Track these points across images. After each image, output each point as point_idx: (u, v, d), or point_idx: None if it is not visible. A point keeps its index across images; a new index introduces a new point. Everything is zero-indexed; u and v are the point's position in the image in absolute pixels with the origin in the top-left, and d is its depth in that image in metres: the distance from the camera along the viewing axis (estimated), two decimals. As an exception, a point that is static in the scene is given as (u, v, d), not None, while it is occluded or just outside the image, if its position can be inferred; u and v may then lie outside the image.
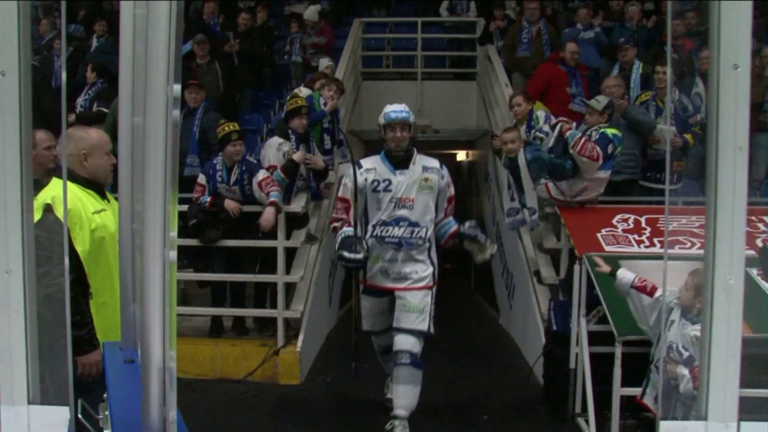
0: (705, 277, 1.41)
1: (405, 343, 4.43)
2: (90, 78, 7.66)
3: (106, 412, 1.92)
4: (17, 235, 1.46)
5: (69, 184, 3.06)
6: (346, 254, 4.41)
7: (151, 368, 1.43)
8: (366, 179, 4.52)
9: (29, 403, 1.50)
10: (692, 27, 8.11)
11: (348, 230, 4.50)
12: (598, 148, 5.24)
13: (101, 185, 3.24)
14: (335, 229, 4.62)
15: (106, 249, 3.08)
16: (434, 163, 4.61)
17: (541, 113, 6.24)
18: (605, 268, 4.16)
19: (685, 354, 3.42)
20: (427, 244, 4.56)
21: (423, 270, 4.53)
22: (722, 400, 1.38)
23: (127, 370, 2.02)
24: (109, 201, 3.21)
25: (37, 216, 2.63)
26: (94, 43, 8.71)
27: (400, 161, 4.53)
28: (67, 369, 1.56)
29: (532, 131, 5.99)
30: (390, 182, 4.50)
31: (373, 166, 4.57)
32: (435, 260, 4.63)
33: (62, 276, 2.43)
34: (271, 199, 5.76)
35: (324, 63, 8.20)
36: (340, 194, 4.67)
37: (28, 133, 1.51)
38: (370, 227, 4.53)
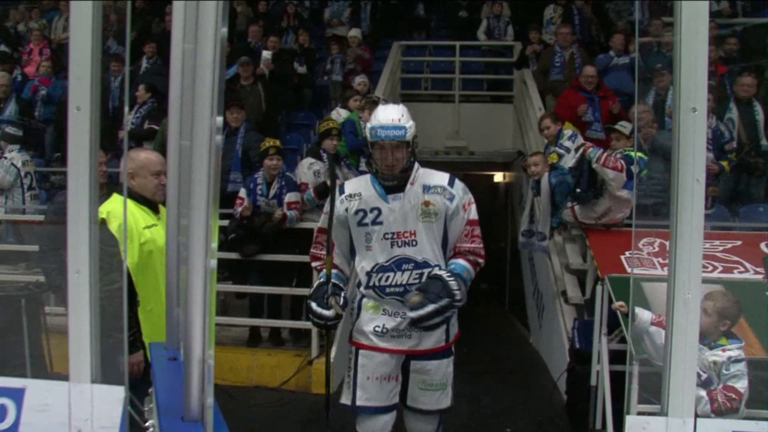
0: (667, 293, 1.59)
1: (424, 426, 3.57)
2: (142, 97, 8.11)
3: (151, 405, 2.16)
4: (86, 240, 1.72)
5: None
6: (314, 307, 3.34)
7: (193, 363, 1.65)
8: (347, 209, 3.39)
9: (92, 382, 1.76)
10: (732, 53, 8.19)
11: (325, 273, 3.42)
12: (622, 160, 5.26)
13: (154, 202, 3.47)
14: (316, 270, 3.67)
15: (153, 261, 3.32)
16: (440, 179, 3.42)
17: (567, 131, 6.36)
18: (625, 309, 4.24)
19: (704, 376, 3.45)
20: None
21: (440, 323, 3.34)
22: (681, 398, 1.54)
23: (170, 367, 2.23)
24: (161, 217, 3.42)
25: None
26: (144, 63, 9.20)
27: (393, 187, 3.38)
28: (123, 357, 1.83)
29: (554, 147, 6.11)
30: (380, 212, 3.35)
31: (357, 192, 3.42)
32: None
33: (112, 284, 2.72)
34: (285, 212, 6.13)
35: (358, 80, 8.37)
36: (320, 224, 3.60)
37: (95, 158, 1.78)
38: (364, 276, 3.40)
